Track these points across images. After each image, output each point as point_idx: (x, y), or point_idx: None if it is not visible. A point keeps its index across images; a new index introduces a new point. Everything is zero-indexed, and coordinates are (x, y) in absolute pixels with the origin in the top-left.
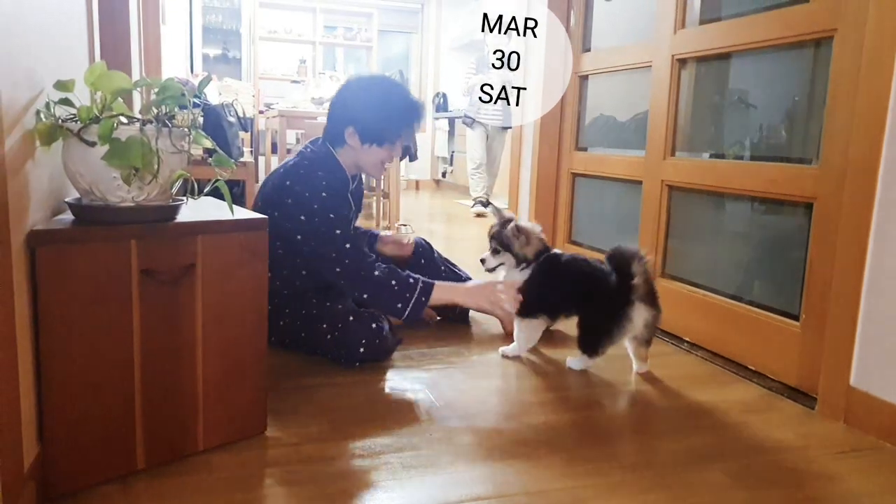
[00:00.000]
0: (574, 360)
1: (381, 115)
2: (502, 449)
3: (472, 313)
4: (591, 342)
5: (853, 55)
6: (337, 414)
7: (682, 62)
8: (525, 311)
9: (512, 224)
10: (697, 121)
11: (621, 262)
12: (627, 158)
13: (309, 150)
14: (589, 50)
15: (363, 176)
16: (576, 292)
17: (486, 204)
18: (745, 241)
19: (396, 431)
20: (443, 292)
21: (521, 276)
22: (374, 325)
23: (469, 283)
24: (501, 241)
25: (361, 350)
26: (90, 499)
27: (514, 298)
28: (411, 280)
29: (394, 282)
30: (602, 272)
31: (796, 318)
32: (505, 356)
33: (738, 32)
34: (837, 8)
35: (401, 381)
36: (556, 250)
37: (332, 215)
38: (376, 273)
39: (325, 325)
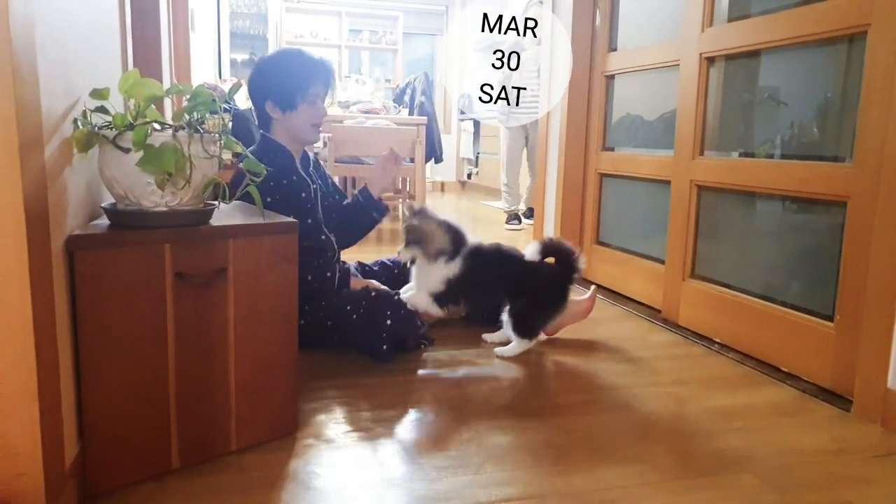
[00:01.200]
0: (507, 347)
1: (286, 78)
2: (532, 450)
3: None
4: (532, 326)
5: (887, 50)
6: (365, 415)
7: (711, 60)
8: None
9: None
10: (727, 119)
11: (564, 254)
12: (655, 158)
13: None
14: (615, 49)
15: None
16: (508, 282)
17: (520, 219)
18: (777, 242)
19: (426, 432)
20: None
21: (441, 270)
22: (396, 298)
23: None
24: (412, 233)
25: (388, 322)
26: (128, 496)
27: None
28: (329, 253)
29: (310, 276)
30: (531, 262)
31: (830, 318)
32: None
33: (768, 29)
34: (870, 2)
35: (430, 382)
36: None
37: (268, 199)
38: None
39: (349, 308)
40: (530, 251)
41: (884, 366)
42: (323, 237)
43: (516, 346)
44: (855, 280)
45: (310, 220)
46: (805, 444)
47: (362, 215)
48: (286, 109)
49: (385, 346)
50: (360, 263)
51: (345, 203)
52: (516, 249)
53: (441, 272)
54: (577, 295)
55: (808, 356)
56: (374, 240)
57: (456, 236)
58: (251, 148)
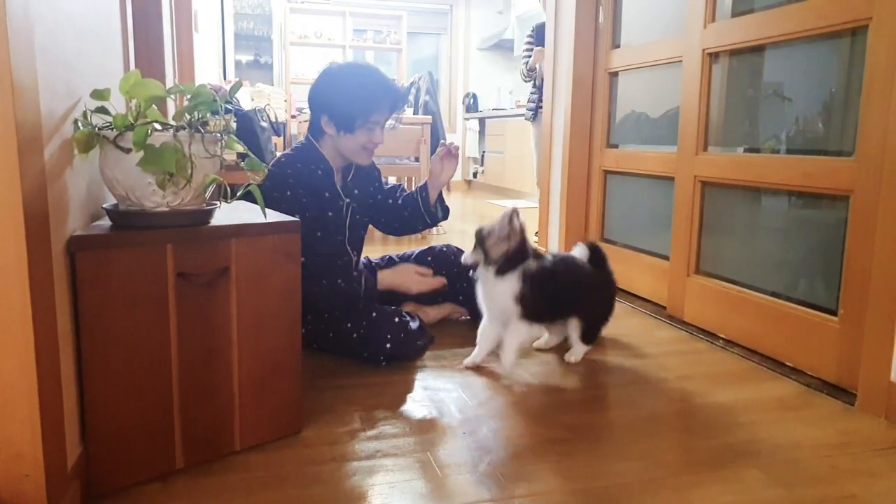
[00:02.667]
0: (576, 352)
1: (350, 100)
2: (537, 447)
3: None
4: (597, 334)
5: (889, 44)
6: (371, 413)
7: (714, 56)
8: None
9: (505, 219)
10: (731, 115)
11: (602, 256)
12: (659, 154)
13: (295, 146)
14: (619, 46)
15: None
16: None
17: None
18: (781, 237)
19: (430, 431)
20: (381, 281)
21: (501, 284)
22: (397, 320)
23: (393, 268)
24: (479, 236)
25: (388, 346)
26: (132, 497)
27: (425, 283)
28: (355, 285)
29: (341, 280)
30: (588, 268)
31: (834, 313)
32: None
33: (771, 24)
34: None
35: (434, 380)
36: (540, 256)
37: (307, 213)
38: (325, 283)
39: (349, 325)
40: (578, 253)
41: (887, 359)
42: (344, 258)
43: (582, 350)
44: (859, 274)
45: (339, 238)
46: (810, 438)
47: (416, 216)
48: (342, 130)
49: (383, 362)
50: (367, 259)
51: (401, 201)
52: (578, 260)
53: (506, 287)
54: None
55: (812, 351)
56: (379, 239)
57: (521, 248)
58: (291, 150)
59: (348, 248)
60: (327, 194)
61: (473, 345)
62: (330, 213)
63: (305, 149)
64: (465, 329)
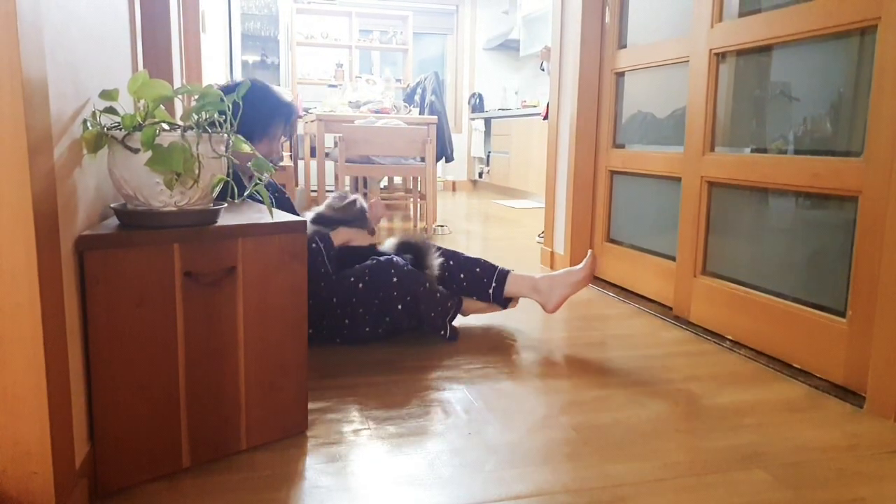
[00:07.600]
0: None
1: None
2: (541, 448)
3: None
4: None
5: None
6: (376, 412)
7: (721, 56)
8: None
9: None
10: (738, 115)
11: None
12: (666, 155)
13: None
14: (625, 46)
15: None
16: None
17: None
18: (789, 237)
19: (436, 430)
20: (337, 238)
21: None
22: (395, 259)
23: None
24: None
25: (395, 280)
26: (139, 496)
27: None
28: (313, 245)
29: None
30: None
31: (842, 314)
32: None
33: (779, 24)
34: None
35: (440, 380)
36: None
37: None
38: None
39: (353, 279)
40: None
41: None
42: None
43: None
44: (867, 275)
45: None
46: (817, 440)
47: None
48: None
49: (412, 304)
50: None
51: None
52: None
53: None
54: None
55: (820, 352)
56: None
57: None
58: None
59: None
60: None
61: (476, 347)
62: None
63: None
64: (471, 330)
